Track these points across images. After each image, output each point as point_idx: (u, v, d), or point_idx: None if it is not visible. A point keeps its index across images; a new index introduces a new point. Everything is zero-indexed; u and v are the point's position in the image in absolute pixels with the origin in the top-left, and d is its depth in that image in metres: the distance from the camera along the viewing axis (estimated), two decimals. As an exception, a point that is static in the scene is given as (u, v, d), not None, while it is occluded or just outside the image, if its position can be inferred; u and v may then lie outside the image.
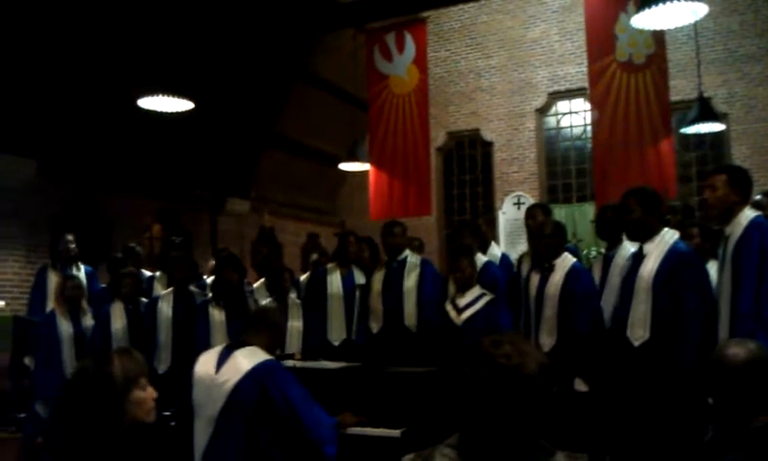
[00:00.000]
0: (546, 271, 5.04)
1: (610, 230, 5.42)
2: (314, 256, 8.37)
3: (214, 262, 8.16)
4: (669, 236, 4.22)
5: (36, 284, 7.43)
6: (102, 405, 2.39)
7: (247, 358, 3.55)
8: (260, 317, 3.87)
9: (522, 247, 6.65)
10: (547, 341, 4.90)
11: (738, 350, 2.22)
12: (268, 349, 3.68)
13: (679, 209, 6.42)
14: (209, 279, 7.23)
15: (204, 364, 3.62)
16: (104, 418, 2.38)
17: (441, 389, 4.45)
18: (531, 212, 6.08)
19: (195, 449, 3.51)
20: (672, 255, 4.11)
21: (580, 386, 4.74)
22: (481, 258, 5.99)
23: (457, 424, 1.74)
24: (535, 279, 5.13)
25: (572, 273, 4.95)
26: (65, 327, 6.34)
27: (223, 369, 3.53)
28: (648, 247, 4.23)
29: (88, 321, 6.49)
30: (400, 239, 6.30)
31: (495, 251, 6.68)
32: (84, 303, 6.60)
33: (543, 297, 5.00)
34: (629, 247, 5.00)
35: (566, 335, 4.84)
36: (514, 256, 7.04)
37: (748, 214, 3.98)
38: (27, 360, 6.77)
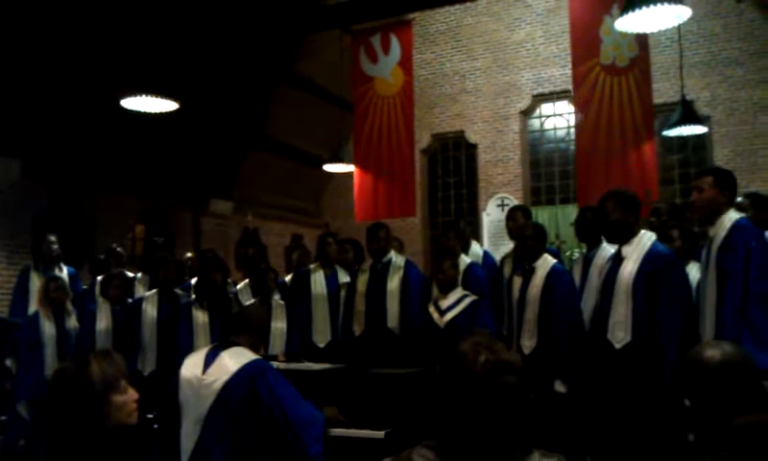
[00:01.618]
0: (528, 273, 5.07)
1: (589, 232, 5.46)
2: (294, 256, 8.36)
3: (190, 255, 8.14)
4: (647, 238, 4.26)
5: (19, 286, 7.38)
6: (81, 409, 2.37)
7: (234, 358, 3.55)
8: (246, 316, 3.87)
9: (506, 249, 6.69)
10: (528, 343, 4.93)
11: (714, 351, 2.21)
12: (254, 348, 3.68)
13: (663, 211, 6.47)
14: (194, 281, 7.21)
15: (191, 366, 3.62)
16: (84, 421, 2.37)
17: (425, 390, 4.46)
18: (512, 214, 6.15)
19: (182, 450, 3.50)
20: (651, 257, 4.15)
21: (560, 387, 4.76)
22: (465, 260, 6.00)
23: (436, 425, 1.76)
24: (517, 282, 5.17)
25: (552, 274, 4.98)
26: (48, 328, 6.31)
27: (210, 369, 3.53)
28: (626, 249, 4.26)
29: (72, 322, 6.45)
30: (385, 242, 6.32)
31: (477, 250, 6.71)
32: (69, 305, 6.56)
33: (525, 299, 5.03)
34: (608, 248, 5.04)
35: (546, 337, 4.87)
36: (497, 258, 7.07)
37: (732, 216, 4.02)
38: (8, 362, 6.72)
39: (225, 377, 3.49)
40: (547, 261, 5.05)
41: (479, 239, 12.24)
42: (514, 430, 1.68)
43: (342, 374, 5.04)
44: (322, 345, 6.58)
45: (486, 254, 6.96)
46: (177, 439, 3.58)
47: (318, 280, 6.76)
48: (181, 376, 3.62)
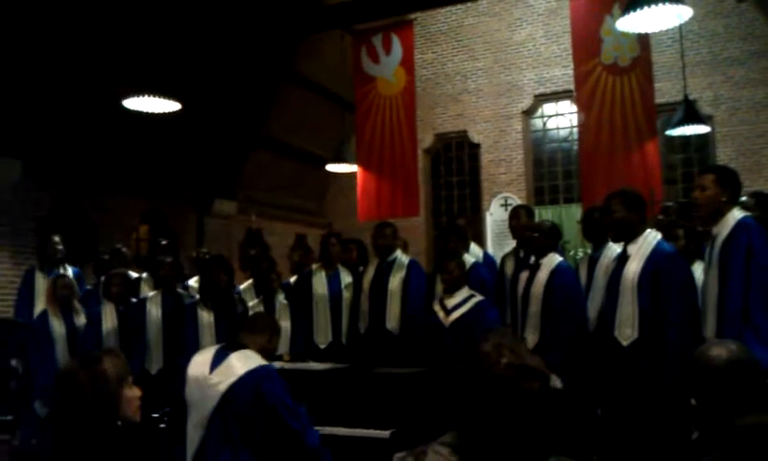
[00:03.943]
0: (533, 269, 5.12)
1: (596, 231, 5.48)
2: (295, 256, 8.37)
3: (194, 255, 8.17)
4: (652, 237, 4.27)
5: (24, 286, 7.38)
6: (98, 404, 2.39)
7: (242, 361, 3.56)
8: (257, 320, 3.89)
9: (510, 248, 6.72)
10: (531, 338, 4.97)
11: (720, 351, 2.23)
12: (263, 352, 3.69)
13: (672, 210, 6.48)
14: (192, 281, 7.21)
15: (199, 365, 3.63)
16: (100, 417, 2.39)
17: (431, 389, 4.48)
18: (515, 213, 6.22)
19: (187, 449, 3.52)
20: (655, 256, 4.16)
21: (555, 382, 4.77)
22: (469, 259, 6.03)
23: (450, 424, 1.75)
24: (524, 277, 5.21)
25: (557, 271, 5.02)
26: (58, 326, 6.31)
27: (217, 370, 3.54)
28: (631, 248, 4.27)
29: (81, 320, 6.44)
30: (391, 240, 6.35)
31: (476, 250, 6.73)
32: (77, 303, 6.56)
33: (529, 295, 5.07)
34: (614, 248, 5.05)
35: (548, 333, 4.90)
36: (499, 257, 7.09)
37: (736, 215, 4.01)
38: (14, 362, 6.73)
39: (231, 380, 3.50)
40: (553, 259, 5.10)
41: (482, 239, 12.25)
42: (534, 435, 1.66)
43: (347, 373, 5.07)
44: (323, 345, 6.59)
45: (486, 253, 6.99)
46: (183, 437, 3.61)
47: (320, 281, 6.77)
48: (188, 374, 3.64)
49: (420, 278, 6.31)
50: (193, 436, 3.55)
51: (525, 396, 1.64)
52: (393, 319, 6.14)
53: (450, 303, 5.31)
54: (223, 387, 3.49)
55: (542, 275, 5.05)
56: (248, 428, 3.48)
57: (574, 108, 10.70)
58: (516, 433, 1.64)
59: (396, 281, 6.19)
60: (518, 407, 1.63)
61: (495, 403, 1.64)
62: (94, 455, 2.34)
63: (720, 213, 4.04)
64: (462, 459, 1.70)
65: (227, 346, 3.74)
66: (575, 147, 11.59)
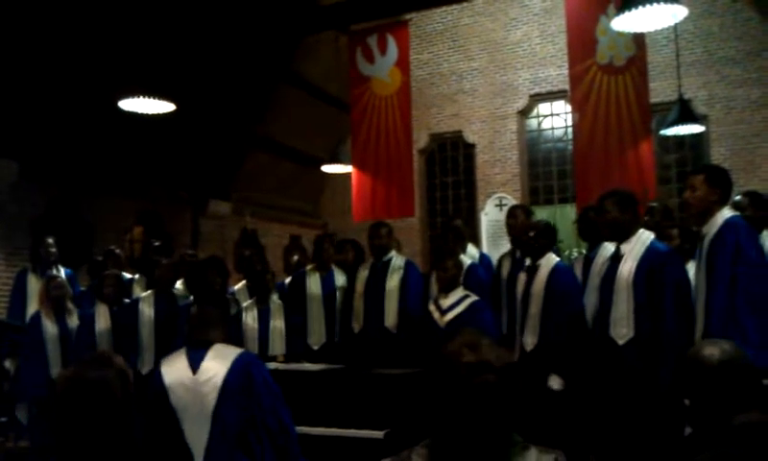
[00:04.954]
0: (531, 271, 5.10)
1: (591, 231, 5.47)
2: (294, 258, 8.34)
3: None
4: (645, 237, 4.28)
5: (16, 288, 7.37)
6: (126, 405, 2.34)
7: (224, 353, 3.52)
8: (204, 314, 3.76)
9: (505, 249, 6.72)
10: (530, 340, 4.95)
11: (713, 350, 2.22)
12: (228, 342, 3.65)
13: (657, 211, 6.48)
14: (177, 283, 7.19)
15: (176, 370, 3.51)
16: (126, 418, 2.33)
17: (424, 390, 4.47)
18: (512, 212, 6.18)
19: (194, 453, 3.41)
20: (650, 255, 4.17)
21: (554, 383, 4.76)
22: (465, 261, 6.01)
23: (429, 425, 1.78)
24: (522, 279, 5.19)
25: (555, 272, 5.00)
26: (50, 327, 6.29)
27: (202, 367, 3.46)
28: (625, 247, 4.28)
29: (74, 321, 6.42)
30: (386, 240, 6.33)
31: (473, 251, 6.72)
32: (70, 303, 6.53)
33: (529, 297, 5.05)
34: (610, 247, 5.05)
35: (548, 334, 4.89)
36: (496, 257, 7.08)
37: (724, 214, 4.01)
38: (7, 363, 6.72)
39: (223, 371, 3.45)
40: (551, 259, 5.08)
41: (477, 239, 12.26)
42: (501, 428, 1.70)
43: (341, 374, 5.05)
44: (316, 347, 6.56)
45: (482, 254, 6.97)
46: (166, 443, 3.52)
47: (313, 283, 6.75)
48: (169, 381, 3.49)
49: (417, 277, 6.30)
50: (197, 437, 3.44)
51: (482, 390, 1.67)
52: (391, 318, 6.13)
53: (445, 303, 5.29)
54: (218, 379, 3.42)
55: (542, 276, 5.03)
56: (247, 415, 3.43)
57: (569, 107, 10.71)
58: (481, 428, 1.68)
59: (393, 281, 6.17)
60: (477, 402, 1.67)
61: (457, 401, 1.68)
62: (111, 457, 2.29)
63: (710, 213, 4.03)
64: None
65: (192, 347, 3.62)
66: (570, 147, 11.59)
